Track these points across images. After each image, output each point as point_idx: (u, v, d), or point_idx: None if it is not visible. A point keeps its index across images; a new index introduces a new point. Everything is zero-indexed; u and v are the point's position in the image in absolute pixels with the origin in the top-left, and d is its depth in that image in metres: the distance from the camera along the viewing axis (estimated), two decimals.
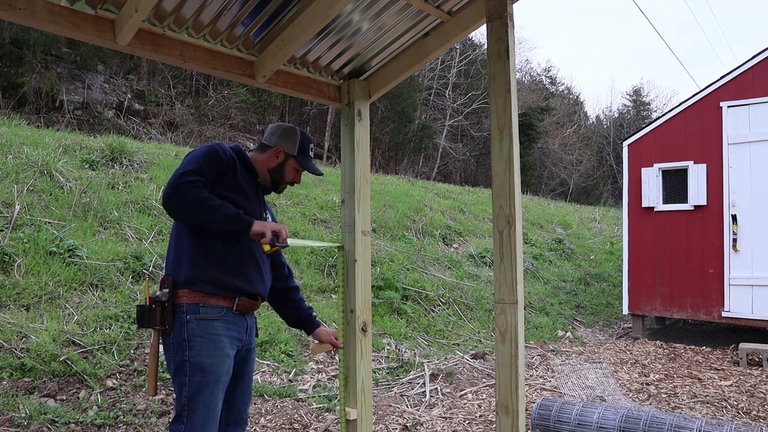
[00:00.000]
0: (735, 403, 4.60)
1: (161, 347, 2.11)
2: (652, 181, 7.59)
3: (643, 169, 7.67)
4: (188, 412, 1.98)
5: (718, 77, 7.18)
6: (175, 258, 2.11)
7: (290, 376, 4.63)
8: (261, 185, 2.32)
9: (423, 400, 4.55)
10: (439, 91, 22.28)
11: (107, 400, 3.66)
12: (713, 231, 7.07)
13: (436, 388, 4.83)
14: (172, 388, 2.16)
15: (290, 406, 4.10)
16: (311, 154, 2.39)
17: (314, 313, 2.55)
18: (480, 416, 4.20)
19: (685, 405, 4.57)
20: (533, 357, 6.14)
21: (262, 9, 2.32)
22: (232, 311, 2.11)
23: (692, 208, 7.25)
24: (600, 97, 64.69)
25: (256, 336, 2.36)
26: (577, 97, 35.90)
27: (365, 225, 2.76)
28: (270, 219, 2.42)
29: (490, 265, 9.07)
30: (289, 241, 2.18)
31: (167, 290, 2.04)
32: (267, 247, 2.05)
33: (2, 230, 4.87)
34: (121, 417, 3.53)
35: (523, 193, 18.04)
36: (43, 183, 5.88)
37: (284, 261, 2.50)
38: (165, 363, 2.11)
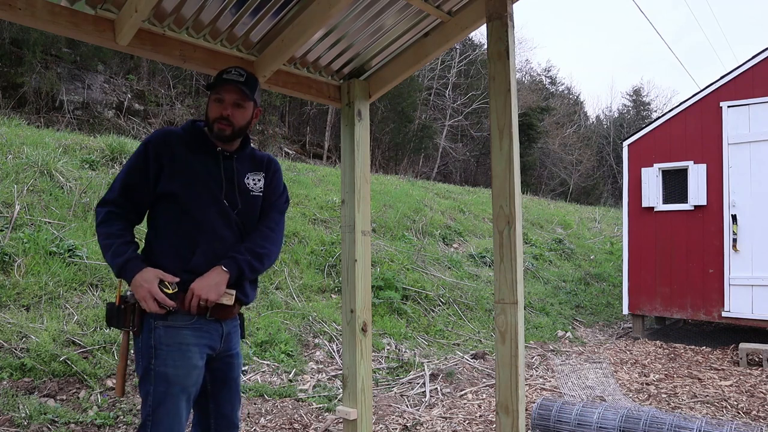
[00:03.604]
0: (735, 403, 4.60)
1: (132, 346, 2.03)
2: (652, 181, 7.58)
3: (643, 169, 7.67)
4: (152, 423, 1.91)
5: (718, 77, 7.18)
6: (145, 258, 2.00)
7: (290, 376, 4.63)
8: (222, 152, 2.10)
9: (423, 400, 4.55)
10: (439, 91, 22.28)
11: (107, 400, 3.66)
12: (713, 231, 7.07)
13: (436, 388, 4.83)
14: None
15: (290, 406, 4.10)
16: (227, 76, 2.05)
17: (231, 262, 2.04)
18: (480, 416, 4.20)
19: (685, 405, 4.57)
20: (533, 357, 6.14)
21: (262, 9, 2.32)
22: (205, 317, 1.98)
23: (692, 208, 7.25)
24: (600, 97, 64.92)
25: (243, 337, 2.22)
26: (577, 97, 35.95)
27: (365, 225, 2.76)
28: (260, 183, 2.18)
29: (490, 265, 9.07)
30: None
31: None
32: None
33: (2, 230, 4.87)
34: (121, 417, 3.53)
35: (523, 193, 18.03)
36: (43, 183, 5.88)
37: (258, 227, 2.17)
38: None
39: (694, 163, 7.23)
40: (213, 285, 1.94)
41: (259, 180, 2.19)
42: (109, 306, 1.99)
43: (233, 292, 2.01)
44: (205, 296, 1.92)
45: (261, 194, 2.18)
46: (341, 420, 2.81)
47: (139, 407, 3.66)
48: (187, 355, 1.94)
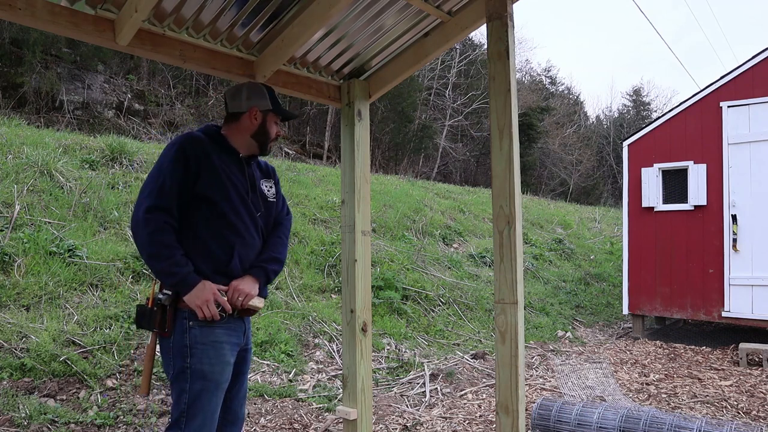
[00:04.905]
0: (735, 403, 4.60)
1: (158, 348, 2.09)
2: (652, 181, 7.58)
3: (643, 169, 7.67)
4: (186, 419, 1.97)
5: (718, 77, 7.18)
6: None
7: (290, 376, 4.63)
8: (244, 158, 2.22)
9: (423, 400, 4.55)
10: (439, 91, 22.27)
11: (107, 400, 3.66)
12: (713, 231, 7.07)
13: (436, 388, 4.83)
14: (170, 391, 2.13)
15: (290, 406, 4.10)
16: (284, 107, 2.32)
17: (260, 271, 2.18)
18: (480, 416, 4.20)
19: (685, 405, 4.57)
20: (533, 357, 6.14)
21: (262, 9, 2.32)
22: (234, 316, 2.08)
23: (692, 208, 7.25)
24: (600, 97, 64.83)
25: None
26: (577, 97, 35.93)
27: (365, 225, 2.77)
28: (273, 190, 2.32)
29: (490, 265, 9.07)
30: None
31: (170, 292, 1.99)
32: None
33: (2, 230, 4.87)
34: (121, 417, 3.53)
35: (523, 193, 18.03)
36: (43, 183, 5.88)
37: (277, 233, 2.30)
38: (162, 364, 2.08)
39: (694, 163, 7.23)
40: (249, 288, 2.08)
41: (271, 187, 2.34)
42: (140, 308, 2.04)
43: (263, 298, 2.14)
44: (245, 293, 2.05)
45: (274, 201, 2.32)
46: (341, 420, 2.81)
47: (139, 407, 3.67)
48: (221, 352, 2.04)
